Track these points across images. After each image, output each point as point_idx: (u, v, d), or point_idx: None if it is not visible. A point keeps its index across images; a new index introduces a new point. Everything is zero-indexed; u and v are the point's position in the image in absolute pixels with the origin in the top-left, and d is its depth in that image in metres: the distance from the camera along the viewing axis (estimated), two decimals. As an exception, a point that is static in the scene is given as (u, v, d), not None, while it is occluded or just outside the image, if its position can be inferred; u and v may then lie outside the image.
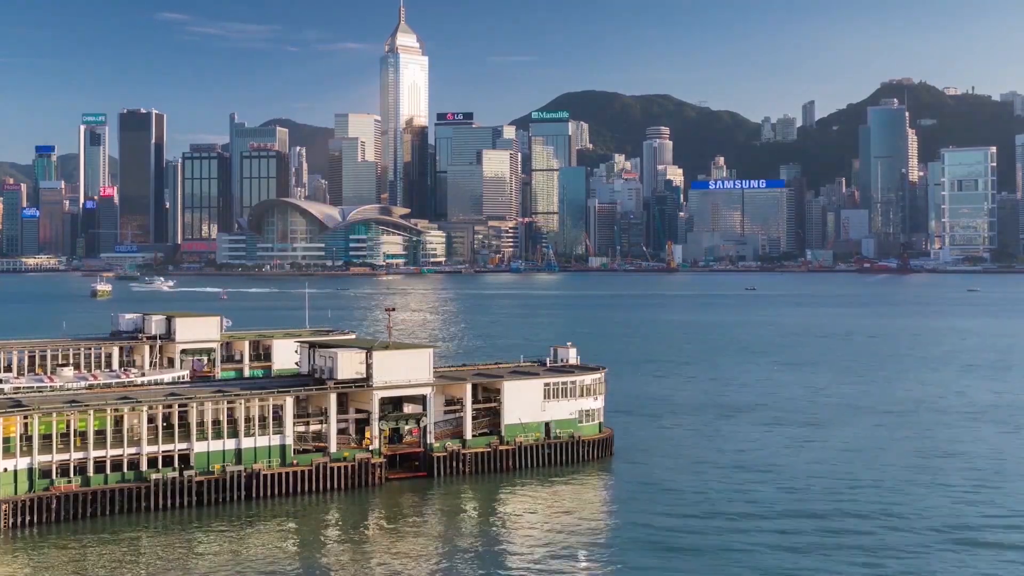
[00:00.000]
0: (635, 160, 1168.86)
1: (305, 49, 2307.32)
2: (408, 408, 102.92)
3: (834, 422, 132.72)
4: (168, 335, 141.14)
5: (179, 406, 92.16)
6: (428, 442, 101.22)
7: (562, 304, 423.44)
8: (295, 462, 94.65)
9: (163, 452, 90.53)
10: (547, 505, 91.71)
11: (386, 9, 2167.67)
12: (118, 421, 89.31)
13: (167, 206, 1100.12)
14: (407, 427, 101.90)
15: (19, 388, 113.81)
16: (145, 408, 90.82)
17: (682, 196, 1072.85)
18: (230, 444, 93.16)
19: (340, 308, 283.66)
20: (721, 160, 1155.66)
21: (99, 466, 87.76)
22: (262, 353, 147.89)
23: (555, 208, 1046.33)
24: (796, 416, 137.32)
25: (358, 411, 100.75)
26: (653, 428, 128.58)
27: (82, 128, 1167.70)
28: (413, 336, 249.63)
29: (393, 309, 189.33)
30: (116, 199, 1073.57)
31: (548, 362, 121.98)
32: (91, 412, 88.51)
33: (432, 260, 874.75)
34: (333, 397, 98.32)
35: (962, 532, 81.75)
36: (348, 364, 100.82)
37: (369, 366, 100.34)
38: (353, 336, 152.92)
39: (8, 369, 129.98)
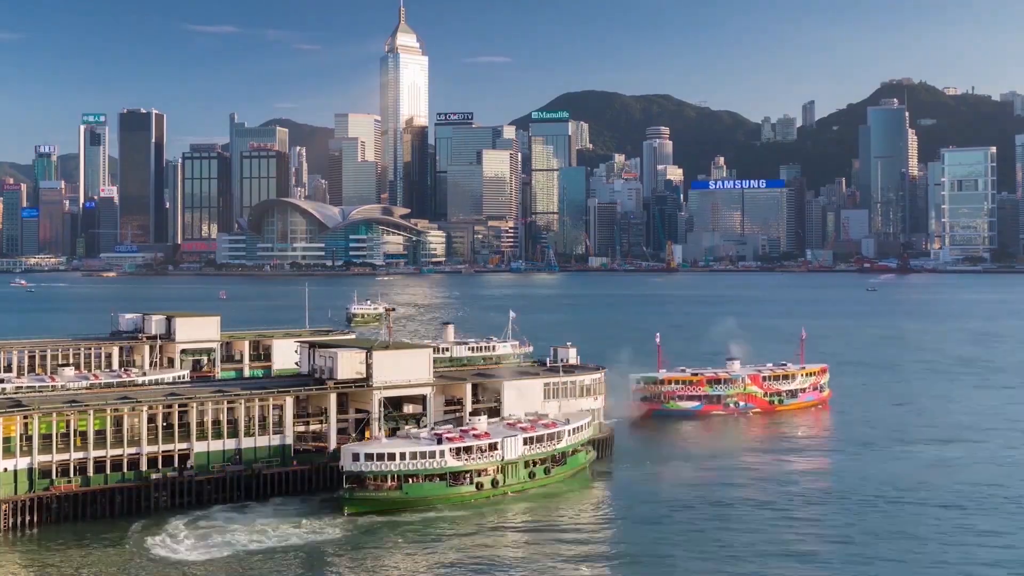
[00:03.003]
0: (635, 160, 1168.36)
1: (305, 49, 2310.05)
2: (408, 408, 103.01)
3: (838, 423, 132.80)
4: (168, 335, 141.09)
5: (179, 406, 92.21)
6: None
7: (563, 304, 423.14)
8: (295, 462, 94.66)
9: (163, 452, 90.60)
10: (546, 505, 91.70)
11: (386, 9, 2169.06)
12: (118, 421, 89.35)
13: (167, 206, 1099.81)
14: (407, 427, 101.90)
15: (20, 388, 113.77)
16: (145, 408, 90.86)
17: (682, 196, 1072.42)
18: (230, 444, 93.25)
19: (340, 308, 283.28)
20: (721, 160, 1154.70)
21: (99, 466, 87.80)
22: (262, 353, 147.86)
23: (555, 208, 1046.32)
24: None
25: (358, 411, 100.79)
26: (653, 428, 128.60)
27: (82, 128, 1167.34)
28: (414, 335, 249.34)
29: (393, 309, 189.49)
30: (116, 199, 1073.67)
31: (548, 362, 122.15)
32: (91, 412, 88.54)
33: (432, 260, 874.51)
34: (333, 397, 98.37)
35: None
36: (348, 364, 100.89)
37: (369, 366, 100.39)
38: (353, 336, 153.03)
39: (8, 369, 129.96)
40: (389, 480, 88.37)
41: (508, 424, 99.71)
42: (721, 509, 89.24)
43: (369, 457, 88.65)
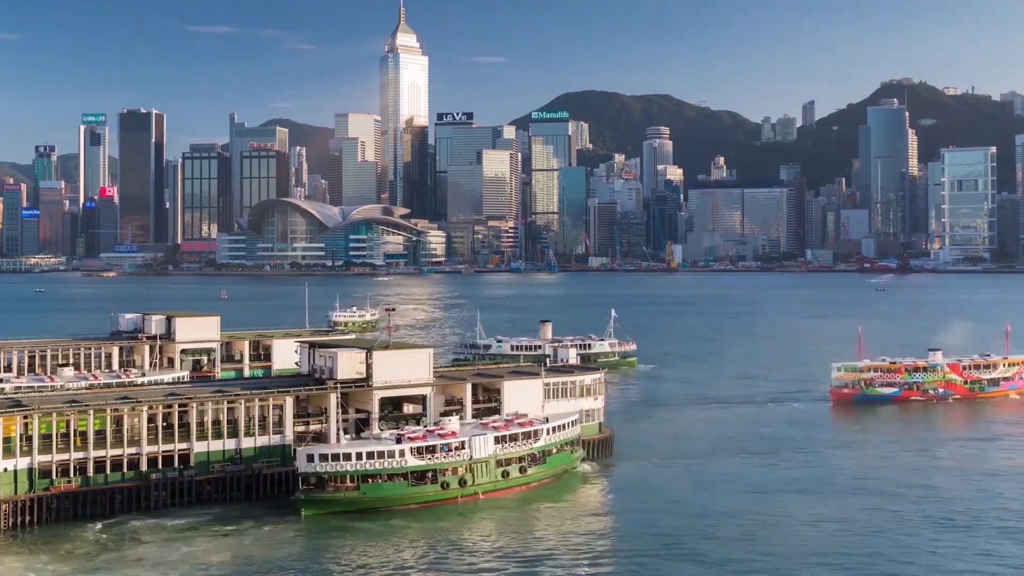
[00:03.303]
0: (635, 160, 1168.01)
1: (305, 48, 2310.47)
2: (408, 408, 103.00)
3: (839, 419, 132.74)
4: (168, 335, 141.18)
5: (179, 406, 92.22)
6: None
7: (564, 304, 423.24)
8: (295, 462, 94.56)
9: (163, 452, 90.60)
10: (546, 505, 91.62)
11: (386, 9, 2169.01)
12: (118, 421, 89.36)
13: (167, 206, 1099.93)
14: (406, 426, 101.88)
15: (19, 388, 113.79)
16: (145, 408, 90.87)
17: (682, 196, 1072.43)
18: (230, 444, 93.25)
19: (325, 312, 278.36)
20: (721, 160, 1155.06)
21: (99, 466, 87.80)
22: (262, 353, 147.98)
23: (555, 208, 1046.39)
24: (799, 412, 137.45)
25: (358, 411, 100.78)
26: (654, 427, 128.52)
27: (82, 128, 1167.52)
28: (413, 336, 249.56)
29: (393, 309, 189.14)
30: (116, 199, 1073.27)
31: (548, 362, 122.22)
32: (91, 412, 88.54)
33: (432, 260, 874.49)
34: (333, 397, 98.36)
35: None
36: (348, 364, 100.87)
37: (369, 366, 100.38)
38: (353, 336, 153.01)
39: (8, 369, 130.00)
40: (347, 481, 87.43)
41: (481, 424, 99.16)
42: (715, 506, 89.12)
43: (324, 458, 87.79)
